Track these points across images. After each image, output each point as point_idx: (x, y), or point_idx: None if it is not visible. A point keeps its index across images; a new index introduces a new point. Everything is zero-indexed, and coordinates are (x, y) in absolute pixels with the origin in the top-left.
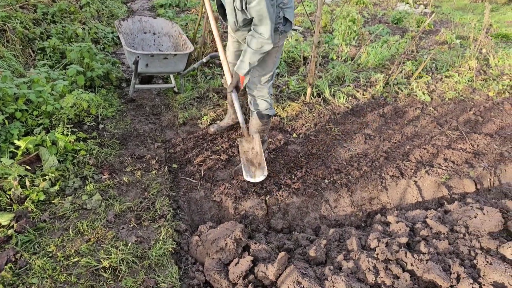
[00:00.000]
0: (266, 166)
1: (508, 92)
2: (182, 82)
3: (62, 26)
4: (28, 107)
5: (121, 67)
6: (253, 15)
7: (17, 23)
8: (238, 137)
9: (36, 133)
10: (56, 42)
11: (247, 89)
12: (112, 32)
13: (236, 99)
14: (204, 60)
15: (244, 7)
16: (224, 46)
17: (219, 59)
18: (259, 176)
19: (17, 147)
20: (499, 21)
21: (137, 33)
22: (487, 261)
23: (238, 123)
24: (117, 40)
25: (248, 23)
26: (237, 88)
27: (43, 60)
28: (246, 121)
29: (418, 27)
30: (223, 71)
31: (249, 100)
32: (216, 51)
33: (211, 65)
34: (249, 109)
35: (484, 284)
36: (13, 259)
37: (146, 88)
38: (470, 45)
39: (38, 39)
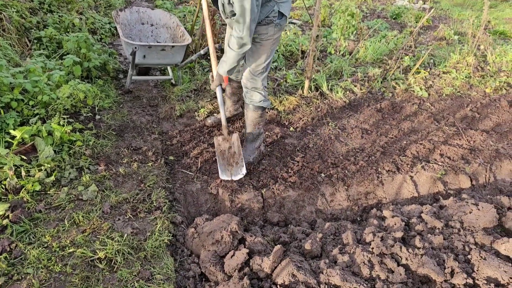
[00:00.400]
0: (244, 165)
1: (505, 89)
2: (180, 74)
3: (59, 16)
4: (24, 97)
5: (118, 58)
6: (236, 10)
7: (13, 12)
8: (215, 136)
9: (32, 123)
10: (52, 32)
11: (241, 81)
12: (109, 23)
13: (221, 95)
14: (202, 52)
15: (230, 1)
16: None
17: (217, 51)
18: (236, 174)
19: (13, 137)
20: (498, 18)
21: (135, 24)
22: (481, 256)
23: (236, 115)
24: (115, 31)
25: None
26: (221, 85)
27: (40, 50)
28: (228, 120)
29: (416, 22)
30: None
31: (244, 93)
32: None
33: (208, 57)
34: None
35: (477, 279)
36: (8, 249)
37: (143, 80)
38: (468, 41)
39: (35, 28)
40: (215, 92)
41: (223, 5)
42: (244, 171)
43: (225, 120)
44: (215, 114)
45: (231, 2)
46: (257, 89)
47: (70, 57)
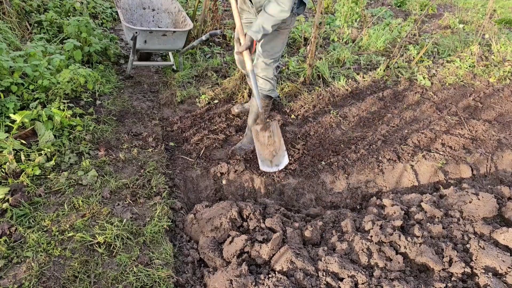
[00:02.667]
0: (286, 154)
1: (509, 78)
2: (181, 60)
3: (60, 0)
4: (24, 81)
5: (120, 43)
6: None
7: None
8: (253, 126)
9: (32, 108)
10: (53, 16)
11: (250, 69)
12: (110, 7)
13: (249, 60)
14: (204, 38)
15: None
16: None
17: (219, 37)
18: (279, 164)
19: (13, 121)
20: (504, 7)
21: (136, 9)
22: (480, 246)
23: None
24: (116, 16)
25: None
26: (249, 49)
27: (40, 34)
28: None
29: (421, 10)
30: (235, 42)
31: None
32: (215, 28)
33: (210, 43)
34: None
35: (476, 268)
36: (8, 233)
37: (144, 65)
38: (473, 30)
39: (35, 12)
40: (217, 78)
41: None
42: (286, 159)
43: (260, 106)
44: (242, 103)
45: None
46: (268, 78)
47: (71, 41)
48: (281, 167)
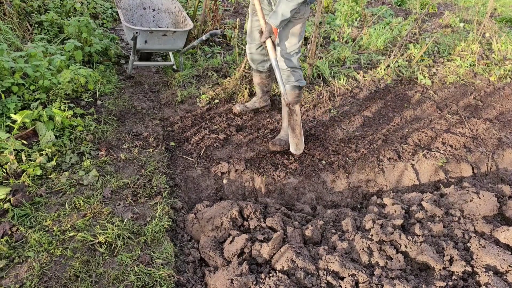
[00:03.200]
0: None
1: (510, 77)
2: (181, 60)
3: (60, 0)
4: (25, 81)
5: (120, 44)
6: None
7: None
8: (284, 106)
9: (33, 108)
10: (54, 16)
11: (274, 65)
12: (111, 7)
13: (272, 48)
14: (204, 37)
15: None
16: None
17: (219, 37)
18: (301, 147)
19: (14, 121)
20: (504, 5)
21: (136, 9)
22: (481, 245)
23: (264, 107)
24: (117, 16)
25: None
26: (271, 38)
27: (41, 34)
28: (257, 111)
29: (421, 9)
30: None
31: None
32: (216, 28)
33: (211, 43)
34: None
35: (476, 267)
36: (9, 233)
37: (145, 65)
38: (473, 29)
39: (36, 12)
40: (217, 78)
41: None
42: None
43: (284, 92)
44: (244, 103)
45: None
46: (293, 69)
47: (71, 41)
48: (300, 152)
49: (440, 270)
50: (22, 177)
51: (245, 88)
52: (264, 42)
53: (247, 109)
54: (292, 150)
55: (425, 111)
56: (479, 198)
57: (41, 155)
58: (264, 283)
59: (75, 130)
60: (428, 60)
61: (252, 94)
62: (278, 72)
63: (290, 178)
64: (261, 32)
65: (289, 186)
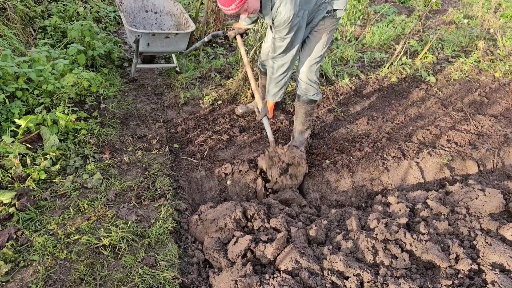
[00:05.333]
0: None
1: None
2: (184, 62)
3: (63, 5)
4: (29, 86)
5: (123, 47)
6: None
7: (17, 1)
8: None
9: (37, 112)
10: (57, 21)
11: (296, 74)
12: (114, 11)
13: (268, 125)
14: (206, 39)
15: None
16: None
17: (221, 39)
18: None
19: (18, 126)
20: (509, 0)
21: (139, 12)
22: (487, 242)
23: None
24: (119, 19)
25: None
26: (267, 116)
27: (44, 39)
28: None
29: (425, 6)
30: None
31: (297, 85)
32: (218, 30)
33: (213, 44)
34: (296, 93)
35: (483, 265)
36: (15, 237)
37: (148, 68)
38: (478, 25)
39: (39, 17)
40: (220, 79)
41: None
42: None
43: (273, 140)
44: (246, 104)
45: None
46: (311, 82)
47: (74, 45)
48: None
49: (446, 268)
50: (27, 181)
51: (248, 89)
52: (261, 119)
53: (249, 110)
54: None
55: (429, 108)
56: (485, 195)
57: (45, 159)
58: (268, 284)
59: (79, 134)
60: (432, 57)
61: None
62: (269, 129)
63: None
64: (257, 109)
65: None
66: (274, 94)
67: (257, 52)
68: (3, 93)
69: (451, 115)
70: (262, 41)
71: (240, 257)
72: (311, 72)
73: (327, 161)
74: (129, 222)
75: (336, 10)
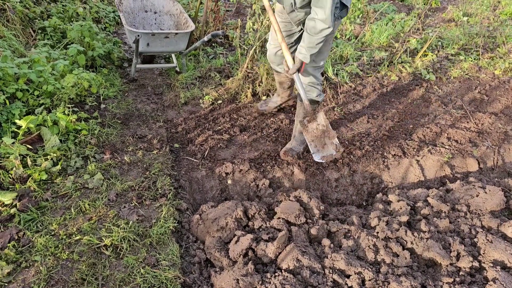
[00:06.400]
0: (337, 141)
1: None
2: (184, 62)
3: (63, 5)
4: (29, 87)
5: (123, 47)
6: None
7: (16, 2)
8: (301, 120)
9: (38, 113)
10: (56, 22)
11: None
12: (113, 11)
13: (299, 80)
14: (206, 39)
15: None
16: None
17: (221, 38)
18: (332, 152)
19: (19, 127)
20: None
21: (138, 12)
22: (488, 240)
23: (286, 101)
24: (119, 20)
25: (306, 4)
26: (298, 70)
27: (44, 40)
28: (280, 108)
29: (424, 4)
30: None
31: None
32: (218, 29)
33: (213, 44)
34: (298, 94)
35: (484, 262)
36: (16, 237)
37: (148, 68)
38: (477, 22)
39: (39, 18)
40: (220, 78)
41: None
42: (340, 148)
43: (306, 99)
44: (268, 103)
45: None
46: (314, 84)
47: (74, 46)
48: (334, 156)
49: (447, 266)
50: (28, 182)
51: (248, 88)
52: (293, 74)
53: (270, 108)
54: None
55: (429, 106)
56: (486, 192)
57: (46, 159)
58: (270, 283)
59: (79, 134)
60: (432, 55)
61: (255, 94)
62: (300, 84)
63: (295, 177)
64: (285, 63)
65: (293, 185)
66: (311, 51)
67: (257, 51)
68: (4, 94)
69: (451, 113)
70: (261, 41)
71: (241, 256)
72: (314, 76)
73: None
74: (131, 222)
75: (343, 8)
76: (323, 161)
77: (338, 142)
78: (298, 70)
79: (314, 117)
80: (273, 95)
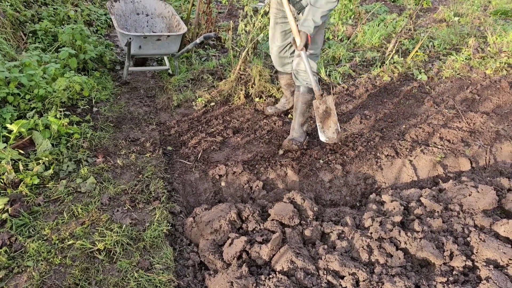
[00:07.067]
0: (339, 126)
1: (506, 69)
2: (177, 64)
3: (54, 8)
4: (20, 91)
5: (115, 50)
6: None
7: (7, 5)
8: (313, 101)
9: (29, 117)
10: (47, 25)
11: (294, 65)
12: (105, 14)
13: (306, 58)
14: (198, 41)
15: None
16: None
17: (213, 40)
18: (334, 135)
19: (10, 131)
20: None
21: (130, 15)
22: (481, 239)
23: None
24: (111, 22)
25: None
26: (306, 46)
27: (35, 43)
28: (287, 113)
29: (416, 5)
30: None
31: (296, 77)
32: (210, 31)
33: (205, 46)
34: (295, 85)
35: (477, 261)
36: (8, 243)
37: (140, 71)
38: (468, 22)
39: (30, 21)
40: (213, 80)
41: None
42: (340, 133)
43: (316, 85)
44: (276, 105)
45: None
46: (313, 72)
47: (66, 49)
48: (336, 140)
49: (441, 265)
50: (19, 186)
51: (241, 90)
52: (301, 50)
53: (279, 111)
54: (323, 139)
55: (421, 106)
56: (478, 192)
57: (38, 164)
58: (264, 285)
59: (71, 138)
60: (424, 56)
61: (248, 96)
62: (307, 63)
63: (288, 178)
64: (294, 42)
65: (287, 186)
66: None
67: (249, 53)
68: None
69: (443, 112)
70: (253, 43)
71: (235, 258)
72: (312, 64)
73: (321, 161)
74: (124, 225)
75: None
76: (328, 142)
77: (339, 126)
78: (306, 47)
79: (323, 100)
80: (266, 97)
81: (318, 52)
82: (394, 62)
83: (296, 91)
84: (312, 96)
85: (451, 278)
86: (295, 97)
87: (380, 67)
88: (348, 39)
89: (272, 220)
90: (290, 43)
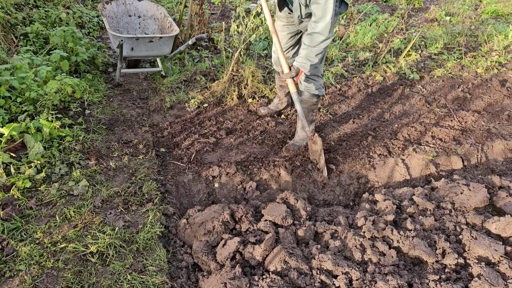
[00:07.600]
0: (325, 168)
1: (497, 68)
2: (169, 66)
3: (45, 11)
4: (12, 94)
5: (107, 52)
6: (315, 12)
7: None
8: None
9: (21, 120)
10: (39, 27)
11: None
12: (97, 16)
13: (292, 83)
14: (190, 42)
15: (308, 3)
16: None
17: (206, 41)
18: (325, 173)
19: (1, 135)
20: None
21: (122, 16)
22: (472, 236)
23: (285, 108)
24: (103, 24)
25: (310, 13)
26: (294, 79)
27: (26, 46)
28: (280, 113)
29: (407, 4)
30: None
31: (300, 80)
32: (202, 32)
33: (198, 47)
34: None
35: (469, 259)
36: (0, 247)
37: (132, 72)
38: (459, 22)
39: (21, 24)
40: (206, 82)
41: (300, 9)
42: (324, 175)
43: (307, 125)
44: (269, 106)
45: (308, 3)
46: (316, 77)
47: (57, 52)
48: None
49: (433, 263)
50: (11, 190)
51: (234, 91)
52: (285, 80)
53: (272, 112)
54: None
55: (414, 105)
56: (470, 190)
57: (30, 167)
58: (257, 285)
59: (63, 141)
60: (416, 55)
61: (241, 97)
62: (299, 106)
63: (281, 179)
64: (279, 64)
65: (280, 187)
66: (310, 61)
67: (242, 54)
68: None
69: (435, 111)
70: (246, 44)
71: (229, 259)
72: (316, 69)
73: (314, 161)
74: (117, 228)
75: (341, 4)
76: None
77: (326, 169)
78: (293, 79)
79: (314, 140)
80: (259, 97)
81: (320, 73)
82: (386, 62)
83: (301, 95)
84: (316, 100)
85: (443, 276)
86: (295, 101)
87: (372, 67)
88: (341, 39)
89: (266, 220)
90: (293, 44)
